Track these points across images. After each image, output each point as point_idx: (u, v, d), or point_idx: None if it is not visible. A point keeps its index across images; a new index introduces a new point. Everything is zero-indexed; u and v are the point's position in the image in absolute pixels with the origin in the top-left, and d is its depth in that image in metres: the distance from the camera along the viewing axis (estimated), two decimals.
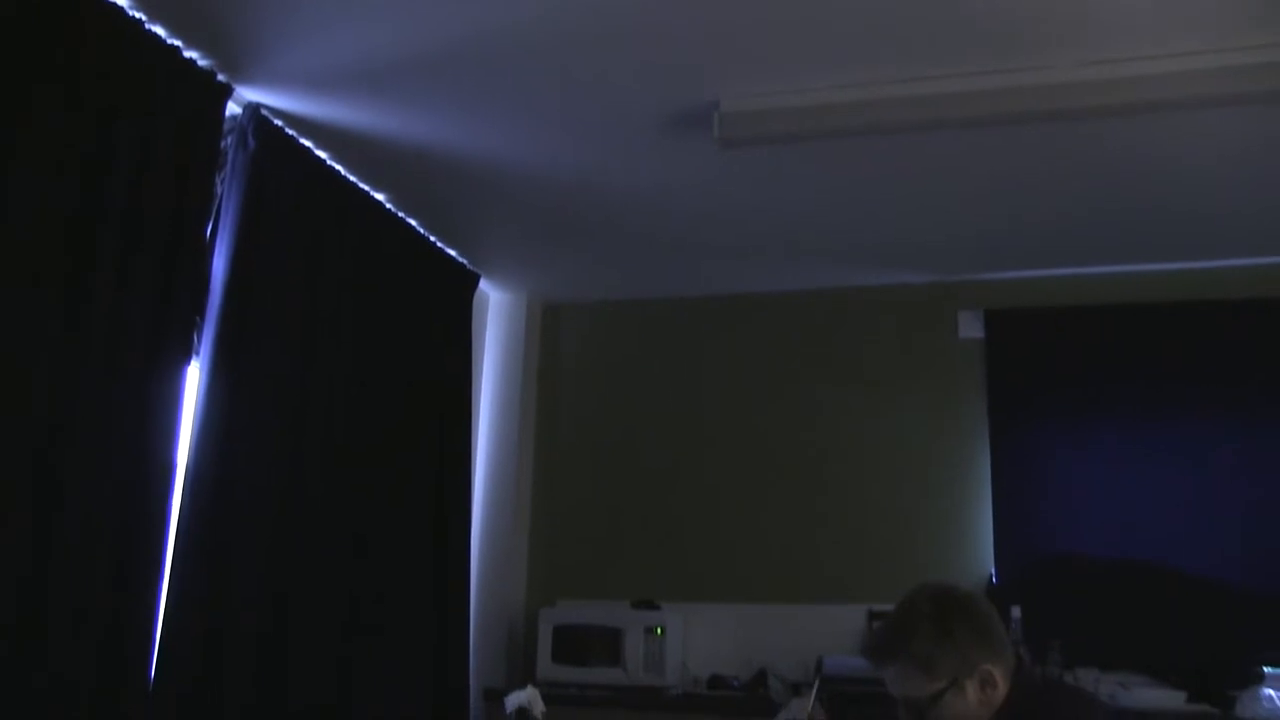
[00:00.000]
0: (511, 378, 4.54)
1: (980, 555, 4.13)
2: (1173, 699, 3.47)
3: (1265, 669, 3.60)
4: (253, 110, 3.03)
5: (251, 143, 3.02)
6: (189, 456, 2.74)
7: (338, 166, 3.43)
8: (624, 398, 4.66)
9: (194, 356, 2.81)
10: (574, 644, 3.98)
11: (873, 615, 4.10)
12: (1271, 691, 3.55)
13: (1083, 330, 4.20)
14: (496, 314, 4.64)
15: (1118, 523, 3.99)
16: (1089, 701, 1.83)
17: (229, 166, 2.98)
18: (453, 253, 4.15)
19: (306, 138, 3.26)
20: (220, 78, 2.87)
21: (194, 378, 2.81)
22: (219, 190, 2.93)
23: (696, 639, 4.20)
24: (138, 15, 2.56)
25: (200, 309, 2.84)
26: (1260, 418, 3.97)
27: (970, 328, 4.33)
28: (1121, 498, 4.01)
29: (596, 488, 4.58)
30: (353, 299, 3.45)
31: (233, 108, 2.98)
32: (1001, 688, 1.80)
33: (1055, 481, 4.11)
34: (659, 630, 3.93)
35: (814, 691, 2.04)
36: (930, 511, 4.22)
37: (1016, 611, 3.66)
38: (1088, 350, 4.18)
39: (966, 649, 1.80)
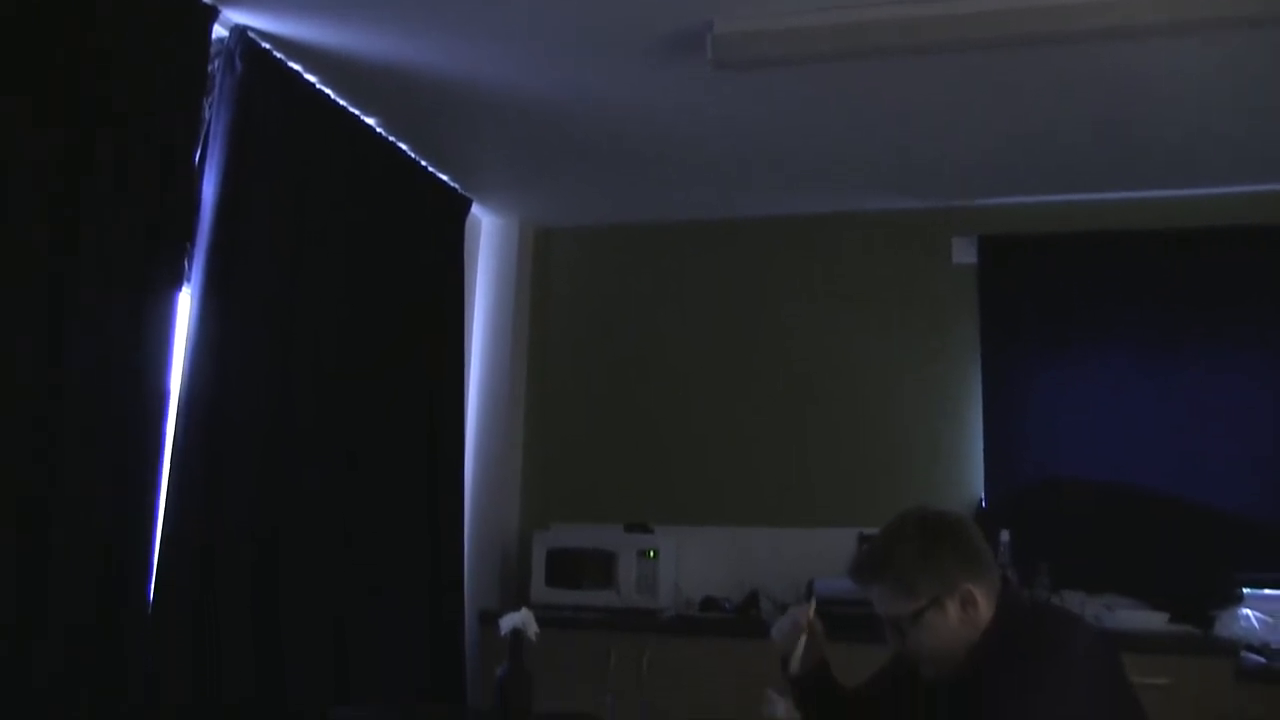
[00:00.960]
0: (504, 302, 4.53)
1: (970, 479, 4.17)
2: (1155, 620, 3.53)
3: (1244, 590, 3.66)
4: (239, 33, 2.98)
5: (239, 66, 2.97)
6: (182, 382, 2.74)
7: (326, 90, 3.39)
8: (616, 322, 4.66)
9: (185, 282, 2.81)
10: (567, 567, 4.02)
11: (863, 538, 4.15)
12: (1249, 612, 3.62)
13: (1077, 257, 4.19)
14: (489, 239, 4.62)
15: (1106, 448, 4.03)
16: (1075, 623, 1.85)
17: (216, 91, 2.94)
18: (444, 177, 4.12)
19: (294, 61, 3.21)
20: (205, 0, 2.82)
21: (185, 303, 2.81)
22: (207, 115, 2.90)
23: (689, 562, 4.25)
24: None
25: (190, 235, 2.83)
26: (1249, 344, 4.00)
27: (964, 253, 4.32)
28: (1111, 423, 4.04)
29: (589, 412, 4.60)
30: (343, 224, 3.43)
31: (219, 30, 2.93)
32: (984, 608, 1.82)
33: (1046, 407, 4.13)
34: (652, 553, 3.97)
35: (813, 600, 2.07)
36: (921, 436, 4.25)
37: (1005, 535, 3.71)
38: (1081, 277, 4.18)
39: (947, 569, 1.82)
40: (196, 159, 2.85)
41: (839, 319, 4.42)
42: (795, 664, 2.07)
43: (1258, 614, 3.60)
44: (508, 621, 2.15)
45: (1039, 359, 4.18)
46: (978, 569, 1.84)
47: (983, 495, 4.12)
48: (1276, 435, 3.90)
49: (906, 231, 4.41)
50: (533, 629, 2.16)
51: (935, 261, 4.35)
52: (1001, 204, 4.30)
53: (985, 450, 4.17)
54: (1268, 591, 3.69)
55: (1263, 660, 3.33)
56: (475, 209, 4.38)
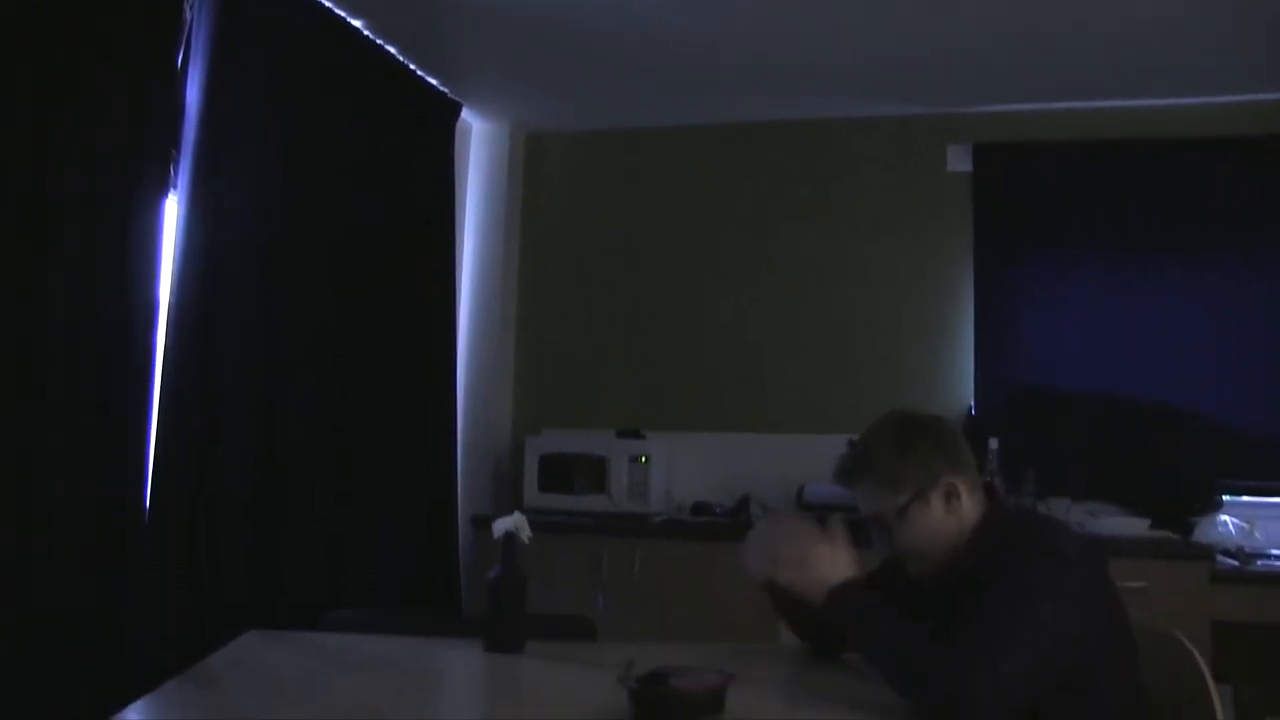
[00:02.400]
0: (495, 208, 4.50)
1: (960, 387, 4.20)
2: (1137, 526, 3.60)
3: (1223, 497, 3.74)
4: None
5: None
6: (171, 292, 2.73)
7: None
8: (608, 229, 4.64)
9: (171, 190, 2.78)
10: (560, 472, 4.07)
11: (852, 445, 4.19)
12: (1227, 518, 3.69)
13: (1073, 165, 4.17)
14: (479, 144, 4.57)
15: (1095, 357, 4.06)
16: (1061, 528, 1.88)
17: None
18: (433, 81, 4.06)
19: None
20: None
21: (172, 211, 2.78)
22: (188, 17, 2.84)
23: (680, 467, 4.30)
24: None
25: (175, 140, 2.79)
26: (1239, 254, 4.00)
27: (959, 161, 4.29)
28: (1100, 332, 4.07)
29: (581, 318, 4.61)
30: (332, 129, 3.39)
31: None
32: (968, 504, 1.84)
33: (1037, 316, 4.15)
34: (644, 459, 4.01)
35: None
36: (912, 343, 4.27)
37: (994, 442, 3.76)
38: (1076, 186, 4.15)
39: (928, 461, 1.84)
40: (179, 63, 2.80)
41: (832, 226, 4.41)
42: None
43: (1235, 520, 3.69)
44: (500, 525, 2.17)
45: (1031, 268, 4.19)
46: (958, 463, 1.86)
47: (972, 403, 4.16)
48: (1262, 345, 3.93)
49: (900, 138, 4.37)
50: (525, 532, 2.18)
51: (929, 169, 4.33)
52: (997, 111, 4.25)
53: (976, 358, 4.20)
54: (1246, 498, 3.78)
55: (1236, 564, 3.41)
56: (465, 114, 4.32)
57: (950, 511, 1.84)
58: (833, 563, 1.84)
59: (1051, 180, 4.18)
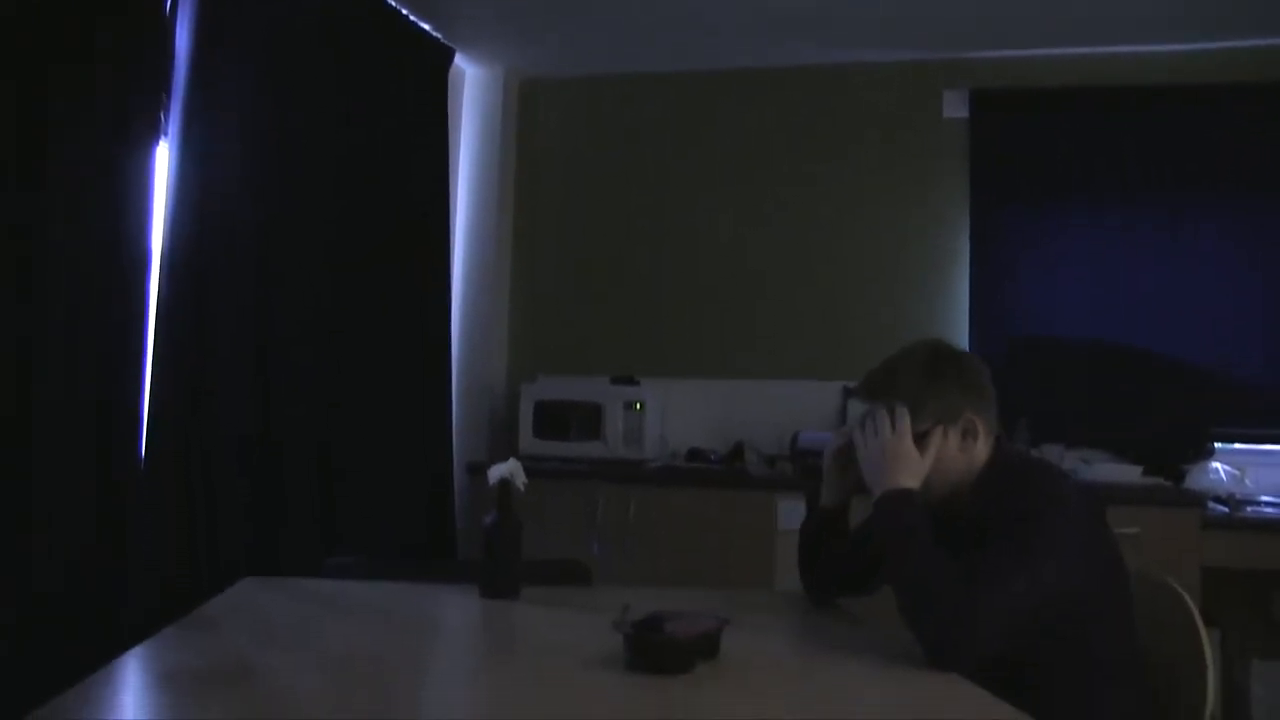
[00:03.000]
0: (488, 155, 4.47)
1: (955, 335, 4.20)
2: (1129, 473, 3.62)
3: (1215, 445, 3.76)
4: None
5: None
6: (164, 239, 2.71)
7: None
8: (603, 175, 4.61)
9: (162, 136, 2.75)
10: (555, 419, 4.07)
11: (848, 392, 4.21)
12: (1219, 465, 3.72)
13: (1070, 113, 4.13)
14: (473, 91, 4.52)
15: (1090, 304, 4.06)
16: (1063, 477, 1.89)
17: None
18: (426, 27, 4.01)
19: None
20: None
21: (163, 159, 2.76)
22: None
23: (675, 414, 4.31)
24: None
25: (165, 86, 2.75)
26: (1232, 202, 3.99)
27: (955, 107, 4.25)
28: (1094, 281, 4.06)
29: (576, 265, 4.59)
30: (324, 75, 3.35)
31: None
32: (983, 444, 1.84)
33: (1032, 264, 4.14)
34: (638, 405, 4.02)
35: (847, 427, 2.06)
36: (908, 291, 4.27)
37: None
38: (1074, 133, 4.13)
39: (953, 395, 1.83)
40: (168, 8, 2.75)
41: (828, 174, 4.38)
42: (825, 494, 2.09)
43: (1226, 467, 3.71)
44: (496, 471, 2.18)
45: (1028, 215, 4.17)
46: (981, 402, 1.85)
47: (967, 350, 4.16)
48: (1256, 295, 3.93)
49: (896, 84, 4.33)
50: (520, 479, 2.19)
51: (925, 115, 4.29)
52: (994, 57, 4.21)
53: (970, 305, 4.19)
54: (1238, 446, 3.80)
55: (1227, 510, 3.44)
56: (458, 59, 4.27)
57: (964, 450, 1.84)
58: (907, 466, 1.80)
59: (1049, 127, 4.15)
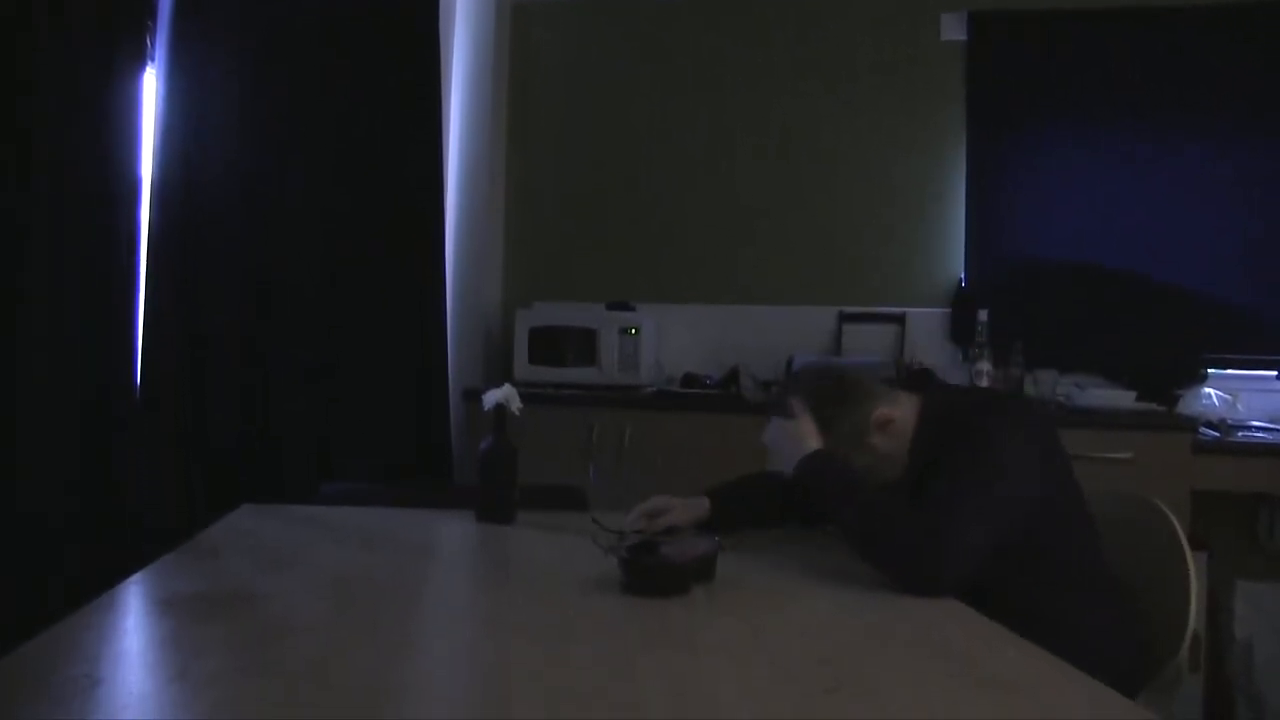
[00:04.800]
0: (481, 81, 4.40)
1: (950, 259, 4.19)
2: (1123, 399, 3.63)
3: (1209, 370, 3.78)
4: None
5: None
6: (154, 168, 2.68)
7: None
8: (597, 99, 4.55)
9: (149, 62, 2.69)
10: (550, 345, 4.07)
11: (843, 317, 4.21)
12: (1211, 391, 3.74)
13: (1068, 35, 4.07)
14: (464, 15, 4.43)
15: (1085, 231, 4.04)
16: (1002, 399, 1.93)
17: None
18: None
19: None
20: None
21: (151, 85, 2.71)
22: None
23: (670, 339, 4.31)
24: None
25: (150, 11, 2.69)
26: (1229, 127, 3.95)
27: (953, 30, 4.18)
28: (1090, 206, 4.04)
29: (571, 191, 4.56)
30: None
31: None
32: (901, 411, 1.91)
33: (1028, 189, 4.11)
34: (633, 330, 4.01)
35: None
36: (903, 215, 4.24)
37: (983, 314, 3.77)
38: (1073, 56, 4.07)
39: (850, 421, 1.90)
40: None
41: (824, 97, 4.33)
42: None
43: (1219, 393, 3.73)
44: (491, 397, 2.18)
45: (1025, 140, 4.13)
46: (874, 397, 1.93)
47: (962, 275, 4.15)
48: (1249, 218, 3.91)
49: (893, 6, 4.26)
50: (516, 404, 2.20)
51: (922, 38, 4.23)
52: None
53: (967, 230, 4.17)
54: (1230, 371, 3.81)
55: (1218, 435, 3.47)
56: None
57: (891, 435, 1.91)
58: (796, 436, 1.90)
59: (1047, 50, 4.09)
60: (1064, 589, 1.80)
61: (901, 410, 1.92)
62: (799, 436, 1.90)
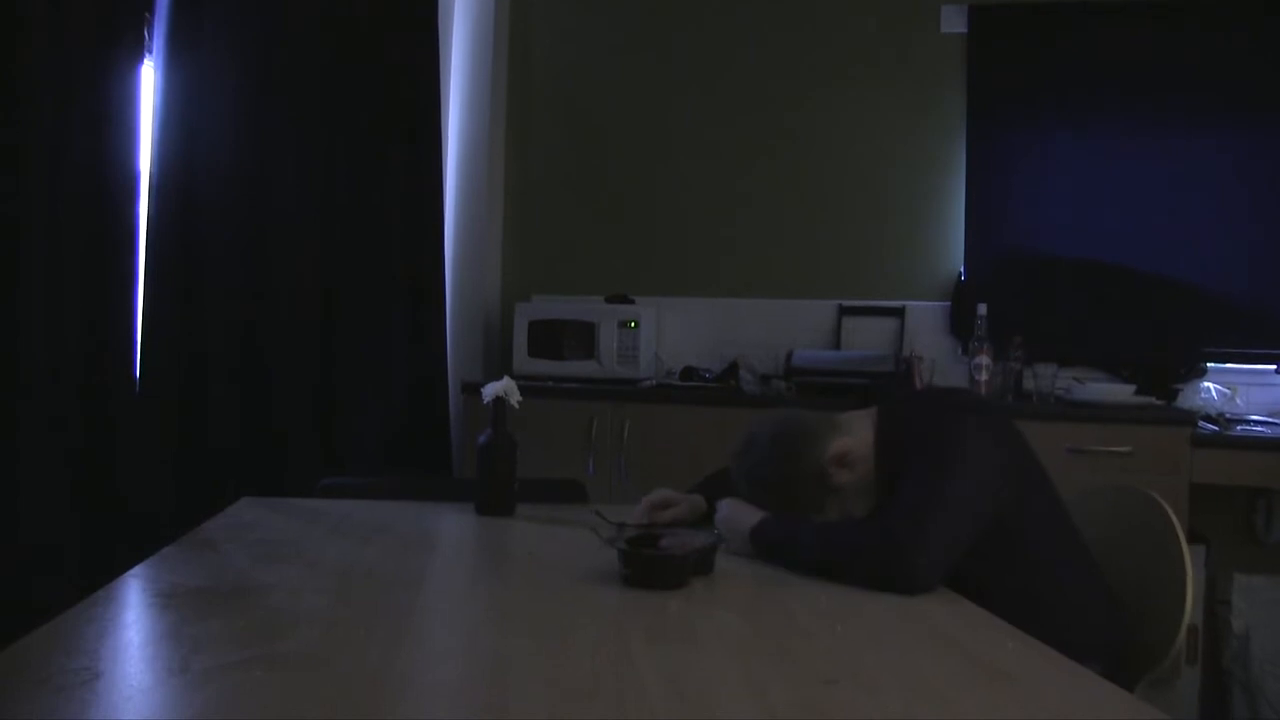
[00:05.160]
0: (481, 69, 4.38)
1: (950, 253, 4.19)
2: (1122, 392, 3.64)
3: (1207, 364, 3.78)
4: None
5: None
6: (151, 159, 2.68)
7: None
8: (596, 92, 4.54)
9: (147, 54, 2.69)
10: (549, 338, 4.07)
11: (843, 310, 4.21)
12: (1210, 385, 3.74)
13: (1070, 29, 4.06)
14: (463, 6, 4.42)
15: (1085, 223, 4.04)
16: (955, 395, 1.92)
17: None
18: None
19: None
20: None
21: (149, 77, 2.70)
22: None
23: (669, 332, 4.31)
24: None
25: (148, 2, 2.69)
26: (1230, 120, 3.94)
27: (953, 22, 4.18)
28: (1091, 198, 4.03)
29: (570, 184, 4.55)
30: None
31: None
32: (857, 444, 1.89)
33: (1029, 181, 4.11)
34: (632, 324, 4.01)
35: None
36: (903, 208, 4.24)
37: (983, 308, 3.77)
38: (1073, 50, 4.06)
39: (812, 477, 1.87)
40: None
41: (823, 89, 4.32)
42: None
43: (1218, 386, 3.73)
44: (490, 389, 2.19)
45: (1025, 132, 4.12)
46: (825, 438, 1.89)
47: (962, 269, 4.15)
48: (1250, 213, 3.91)
49: None
50: (515, 397, 2.20)
51: (923, 30, 4.22)
52: None
53: (966, 223, 4.17)
54: (1230, 365, 3.82)
55: (1216, 429, 3.47)
56: None
57: (852, 465, 1.88)
58: (735, 519, 1.88)
59: (1047, 44, 4.09)
60: (1041, 579, 1.80)
61: (856, 436, 1.91)
62: (735, 516, 1.89)
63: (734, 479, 1.97)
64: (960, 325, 4.05)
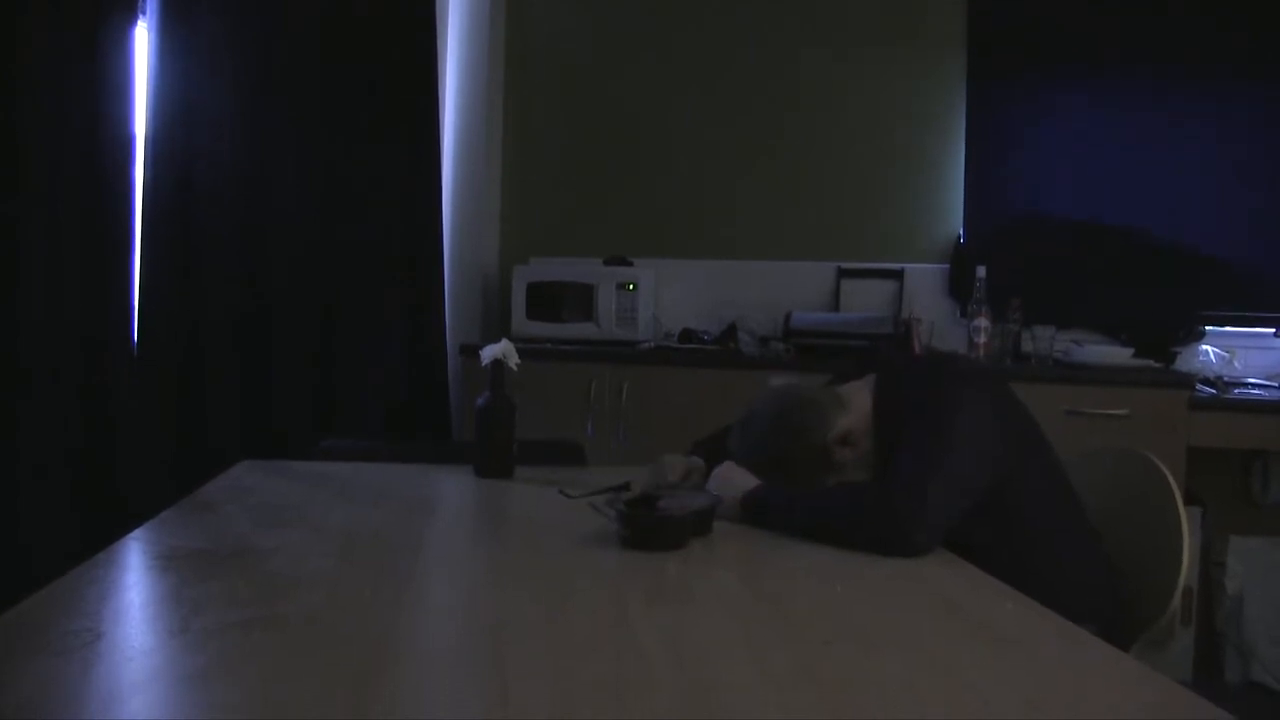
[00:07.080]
0: (479, 35, 4.35)
1: (949, 215, 4.17)
2: (1120, 355, 3.64)
3: (1206, 327, 3.78)
4: None
5: None
6: (147, 123, 2.65)
7: None
8: (595, 54, 4.51)
9: (140, 15, 2.66)
10: (548, 300, 4.06)
11: (842, 272, 4.20)
12: (1208, 348, 3.74)
13: None
14: None
15: (1084, 186, 4.02)
16: (951, 362, 1.92)
17: None
18: None
19: None
20: None
21: (143, 40, 2.67)
22: None
23: (668, 294, 4.30)
24: None
25: None
26: (1235, 84, 3.91)
27: None
28: (1090, 161, 4.01)
29: (568, 146, 4.53)
30: None
31: None
32: (856, 420, 1.89)
33: (1028, 144, 4.08)
34: (631, 286, 4.00)
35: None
36: (902, 169, 4.22)
37: (981, 271, 3.77)
38: (1073, 12, 4.02)
39: (812, 460, 1.88)
40: None
41: (822, 48, 4.28)
42: None
43: (1216, 350, 3.73)
44: (488, 352, 2.18)
45: (1025, 94, 4.09)
46: (821, 419, 1.89)
47: (961, 231, 4.14)
48: (1249, 177, 3.89)
49: None
50: (513, 359, 2.20)
51: None
52: None
53: (965, 186, 4.15)
54: (1228, 329, 3.82)
55: (1214, 392, 3.47)
56: None
57: (853, 443, 1.89)
58: (729, 480, 1.88)
59: (1048, 6, 4.04)
60: (1038, 545, 1.81)
61: (855, 412, 1.91)
62: (728, 476, 1.89)
63: (734, 455, 1.96)
64: (959, 288, 4.05)
